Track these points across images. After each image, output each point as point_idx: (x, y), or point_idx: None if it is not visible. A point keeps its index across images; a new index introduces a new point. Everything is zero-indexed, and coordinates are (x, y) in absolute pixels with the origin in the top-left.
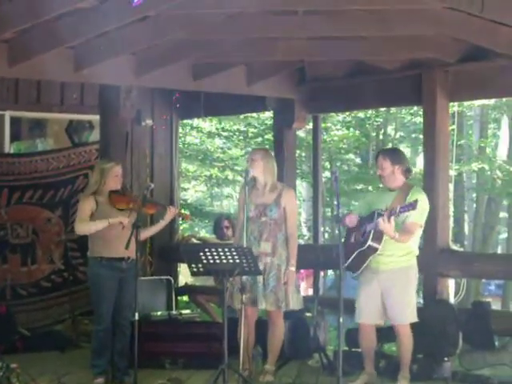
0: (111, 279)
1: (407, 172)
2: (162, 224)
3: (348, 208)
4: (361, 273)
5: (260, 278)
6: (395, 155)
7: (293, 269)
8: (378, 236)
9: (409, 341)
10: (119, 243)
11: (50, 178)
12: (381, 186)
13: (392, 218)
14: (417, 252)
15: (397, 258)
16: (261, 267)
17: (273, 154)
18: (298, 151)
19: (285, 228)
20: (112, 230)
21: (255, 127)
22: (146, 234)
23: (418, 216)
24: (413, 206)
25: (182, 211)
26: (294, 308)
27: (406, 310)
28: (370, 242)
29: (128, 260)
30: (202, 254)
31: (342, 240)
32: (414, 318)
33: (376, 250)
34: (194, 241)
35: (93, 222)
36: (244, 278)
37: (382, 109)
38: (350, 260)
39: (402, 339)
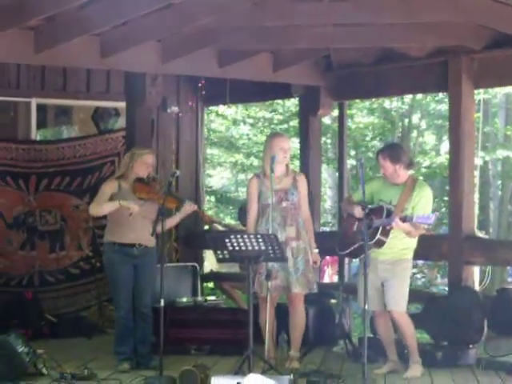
0: (124, 265)
1: (410, 166)
2: (177, 218)
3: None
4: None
5: (290, 263)
6: (394, 154)
7: (317, 250)
8: (386, 232)
9: (409, 327)
10: (130, 229)
11: (77, 164)
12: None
13: (407, 223)
14: (415, 245)
15: (397, 251)
16: (288, 252)
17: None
18: (323, 138)
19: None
20: (124, 216)
21: (281, 114)
22: (166, 225)
23: (426, 210)
24: (430, 219)
25: (202, 210)
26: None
27: (400, 299)
28: (378, 236)
29: (140, 247)
30: (227, 240)
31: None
32: (405, 309)
33: (384, 243)
34: (220, 228)
35: (104, 204)
36: (270, 264)
37: (407, 96)
38: (352, 249)
39: (403, 328)
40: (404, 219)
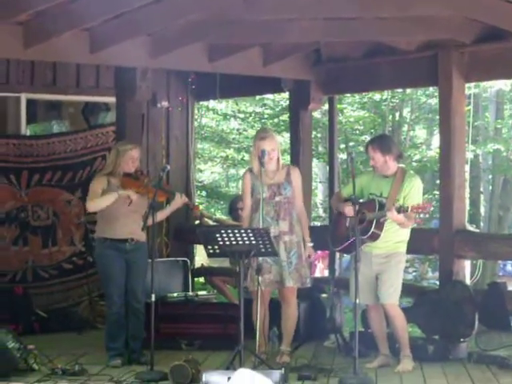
0: (116, 260)
1: (399, 157)
2: (167, 211)
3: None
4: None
5: (284, 257)
6: (384, 145)
7: (311, 244)
8: (381, 225)
9: (402, 320)
10: (122, 224)
11: (68, 159)
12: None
13: (401, 214)
14: (408, 238)
15: (391, 244)
16: (282, 246)
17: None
18: (313, 132)
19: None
20: (115, 211)
21: (271, 108)
22: (156, 218)
23: (417, 200)
24: (427, 210)
25: (191, 202)
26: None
27: (394, 292)
28: (373, 229)
29: (132, 242)
30: (218, 235)
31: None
32: (397, 302)
33: (378, 236)
34: (210, 222)
35: (102, 197)
36: (260, 259)
37: (398, 90)
38: (346, 244)
39: (395, 320)
40: (399, 210)
